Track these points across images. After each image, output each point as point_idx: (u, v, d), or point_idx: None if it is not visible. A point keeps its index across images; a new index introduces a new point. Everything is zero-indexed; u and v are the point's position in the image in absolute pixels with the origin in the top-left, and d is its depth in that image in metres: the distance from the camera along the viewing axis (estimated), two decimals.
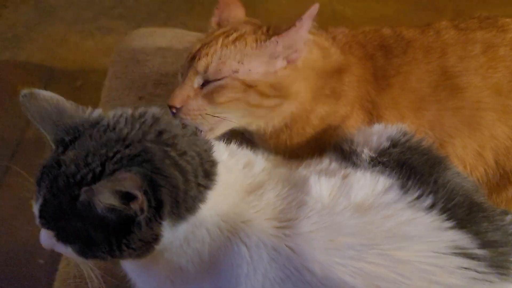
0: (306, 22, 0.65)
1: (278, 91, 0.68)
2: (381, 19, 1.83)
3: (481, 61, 0.73)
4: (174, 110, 0.67)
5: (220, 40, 0.68)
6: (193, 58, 0.68)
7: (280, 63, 0.68)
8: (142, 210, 0.50)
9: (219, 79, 0.66)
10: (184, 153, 0.56)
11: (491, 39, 0.75)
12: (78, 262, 0.60)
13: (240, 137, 0.73)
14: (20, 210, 1.41)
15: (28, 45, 1.90)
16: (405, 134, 0.65)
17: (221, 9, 0.76)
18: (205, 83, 0.67)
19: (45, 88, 1.76)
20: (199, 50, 0.68)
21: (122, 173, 0.50)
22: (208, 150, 0.60)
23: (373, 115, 0.74)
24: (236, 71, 0.66)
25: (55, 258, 0.92)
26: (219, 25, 0.74)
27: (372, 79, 0.75)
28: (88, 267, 0.60)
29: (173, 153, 0.55)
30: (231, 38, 0.68)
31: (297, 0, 1.96)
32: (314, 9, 0.65)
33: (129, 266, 0.65)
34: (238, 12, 0.77)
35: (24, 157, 1.59)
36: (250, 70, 0.67)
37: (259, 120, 0.71)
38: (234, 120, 0.69)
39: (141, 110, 0.60)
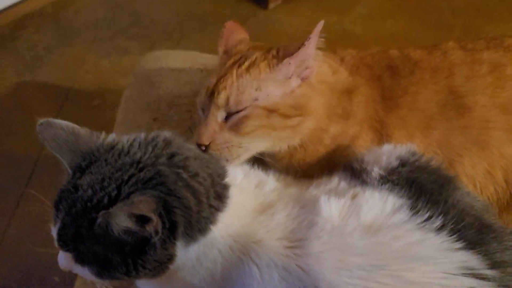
0: (314, 39, 0.67)
1: (299, 110, 0.69)
2: (391, 37, 1.84)
3: (488, 80, 0.74)
4: (203, 148, 0.67)
5: (234, 71, 0.69)
6: (212, 93, 0.70)
7: (295, 82, 0.70)
8: (156, 232, 0.52)
9: (241, 110, 0.67)
10: (196, 175, 0.58)
11: (498, 59, 0.75)
12: (95, 282, 0.61)
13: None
14: (36, 229, 1.45)
15: (47, 66, 1.95)
16: (414, 154, 0.66)
17: (226, 38, 0.78)
18: (228, 115, 0.68)
19: (63, 108, 1.82)
20: (216, 84, 0.70)
21: (137, 196, 0.52)
22: (222, 173, 0.62)
23: (382, 135, 0.75)
24: (256, 99, 0.68)
25: (70, 276, 0.94)
26: (227, 53, 0.76)
27: (380, 99, 0.76)
28: (104, 286, 0.61)
29: (185, 175, 0.57)
30: (244, 67, 0.69)
31: (307, 19, 2.02)
32: (320, 25, 0.66)
33: (143, 285, 0.67)
34: (242, 38, 0.79)
35: (42, 176, 1.62)
36: (268, 94, 0.68)
37: (282, 141, 0.72)
38: (260, 146, 0.71)
39: (153, 134, 0.62)
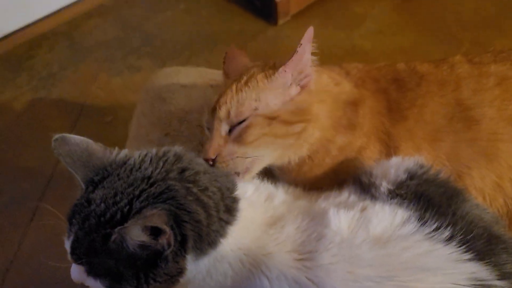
0: (307, 46, 0.69)
1: (300, 116, 0.70)
2: (400, 51, 1.85)
3: (495, 93, 0.74)
4: (210, 162, 0.68)
5: (234, 86, 0.72)
6: (214, 109, 0.72)
7: (294, 90, 0.71)
8: (169, 244, 0.53)
9: (242, 121, 0.69)
10: (205, 189, 0.59)
11: (505, 72, 0.76)
12: None
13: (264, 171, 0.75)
14: (50, 243, 1.46)
15: (61, 83, 2.00)
16: (422, 166, 0.66)
17: (228, 63, 0.81)
18: (231, 128, 0.70)
19: (77, 123, 1.85)
20: (217, 101, 0.72)
21: (149, 210, 0.53)
22: (231, 186, 0.63)
23: (389, 146, 0.75)
24: (256, 108, 0.69)
25: None
26: (228, 76, 0.79)
27: (386, 111, 0.77)
28: None
29: (195, 189, 0.58)
30: (243, 81, 0.71)
31: (316, 35, 2.02)
32: (310, 32, 0.68)
33: None
34: (243, 61, 0.82)
35: (56, 190, 1.65)
36: (268, 104, 0.69)
37: (289, 150, 0.73)
38: (266, 156, 0.71)
39: (164, 149, 0.63)
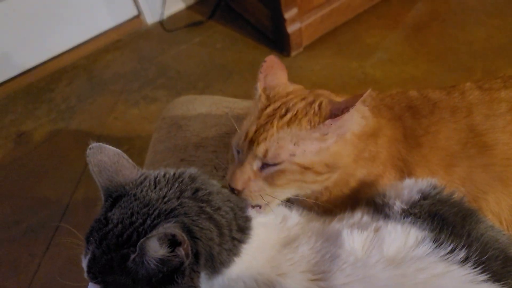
0: (358, 106, 0.67)
1: (331, 167, 0.70)
2: (411, 80, 1.87)
3: (507, 118, 0.74)
4: (236, 192, 0.69)
5: (275, 122, 0.70)
6: (251, 141, 0.70)
7: (331, 139, 0.70)
8: (187, 255, 0.53)
9: (278, 163, 0.68)
10: (218, 209, 0.60)
11: None
12: None
13: None
14: (65, 272, 1.47)
15: (79, 115, 2.06)
16: (435, 187, 0.66)
17: (265, 73, 0.78)
18: (264, 165, 0.69)
19: None
20: (255, 133, 0.70)
21: (164, 223, 0.54)
22: (244, 207, 0.64)
23: (404, 173, 0.75)
24: (293, 154, 0.68)
25: None
26: (265, 90, 0.76)
27: (402, 138, 0.77)
28: None
29: (208, 209, 0.59)
30: (285, 119, 0.70)
31: (328, 65, 2.08)
32: (366, 94, 0.66)
33: None
34: (281, 76, 0.79)
35: (72, 220, 1.67)
36: (305, 151, 0.68)
37: (309, 190, 0.73)
38: (289, 195, 0.73)
39: (180, 170, 0.65)
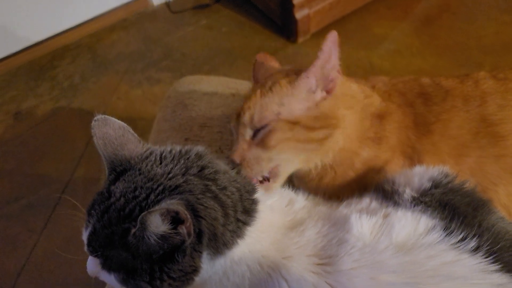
0: (330, 49, 0.67)
1: (323, 121, 0.70)
2: (419, 73, 1.85)
3: None
4: (238, 168, 0.68)
5: (258, 91, 0.72)
6: (239, 115, 0.72)
7: (320, 95, 0.70)
8: (189, 234, 0.52)
9: (265, 125, 0.69)
10: (224, 188, 0.58)
11: None
12: None
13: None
14: (62, 250, 1.47)
15: (82, 94, 2.03)
16: (446, 175, 0.65)
17: (257, 69, 0.81)
18: (255, 132, 0.70)
19: None
20: (242, 106, 0.72)
21: (167, 200, 0.53)
22: (250, 189, 0.62)
23: (413, 160, 0.74)
24: (279, 114, 0.69)
25: None
26: (257, 81, 0.79)
27: (413, 125, 0.76)
28: None
29: (213, 187, 0.57)
30: (267, 87, 0.71)
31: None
32: (333, 35, 0.66)
33: None
34: (273, 67, 0.82)
35: (72, 197, 1.66)
36: (291, 109, 0.69)
37: (314, 155, 0.72)
38: (291, 160, 0.71)
39: (187, 147, 0.63)
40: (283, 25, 2.09)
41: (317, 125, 0.69)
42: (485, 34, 1.99)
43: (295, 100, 0.70)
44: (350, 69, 1.93)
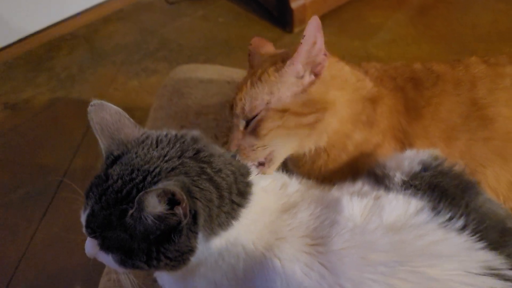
0: (313, 34, 0.68)
1: (312, 107, 0.70)
2: (414, 61, 1.85)
3: (511, 93, 0.75)
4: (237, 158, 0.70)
5: (248, 82, 0.72)
6: (232, 106, 0.73)
7: (308, 79, 0.71)
8: (185, 214, 0.53)
9: (256, 115, 0.70)
10: (219, 171, 0.60)
11: None
12: (118, 272, 0.63)
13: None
14: (61, 239, 1.49)
15: (80, 84, 2.04)
16: (436, 158, 0.66)
17: (252, 54, 0.82)
18: (248, 122, 0.71)
19: None
20: (234, 98, 0.73)
21: (164, 181, 0.54)
22: (245, 172, 0.64)
23: (404, 144, 0.76)
24: (269, 102, 0.70)
25: (91, 284, 0.96)
26: (253, 67, 0.79)
27: (403, 109, 0.77)
28: (127, 278, 0.63)
29: (208, 170, 0.59)
30: (257, 76, 0.72)
31: (331, 43, 2.04)
32: (314, 20, 0.67)
33: (167, 280, 0.68)
34: (267, 51, 0.82)
35: (70, 187, 1.67)
36: (280, 97, 0.70)
37: (307, 139, 0.73)
38: (285, 146, 0.72)
39: (182, 131, 0.65)
40: (279, 15, 2.10)
41: (306, 110, 0.70)
42: (480, 23, 2.00)
43: (283, 87, 0.70)
44: (345, 59, 1.93)
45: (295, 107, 0.70)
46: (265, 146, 0.71)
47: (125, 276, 0.62)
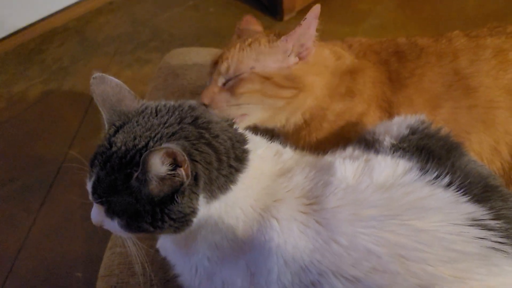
0: (312, 21, 0.73)
1: (292, 82, 0.75)
2: None
3: (492, 64, 0.78)
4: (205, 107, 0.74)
5: (238, 45, 0.77)
6: (216, 62, 0.78)
7: (292, 59, 0.76)
8: (187, 175, 0.56)
9: (239, 75, 0.75)
10: (217, 136, 0.62)
11: (501, 44, 0.80)
12: (123, 237, 0.65)
13: (270, 134, 0.79)
14: (60, 228, 1.50)
15: (72, 76, 2.05)
16: (423, 122, 0.70)
17: (242, 26, 0.86)
18: (228, 81, 0.76)
19: (86, 114, 1.90)
20: (220, 56, 0.77)
21: (165, 143, 0.57)
22: (241, 139, 0.66)
23: (390, 113, 0.80)
24: (253, 68, 0.75)
25: (91, 272, 0.98)
26: (239, 37, 0.83)
27: (387, 81, 0.81)
28: (132, 242, 0.65)
29: (207, 135, 0.61)
30: (247, 42, 0.77)
31: (320, 30, 2.07)
32: (317, 8, 0.72)
33: (169, 248, 0.71)
34: (256, 29, 0.87)
35: (66, 178, 1.69)
36: (265, 66, 0.75)
37: (281, 113, 0.78)
38: (257, 112, 0.76)
39: (180, 101, 0.67)
40: (269, 4, 2.12)
41: (286, 84, 0.75)
42: (467, 6, 2.04)
43: (270, 58, 0.75)
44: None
45: (277, 78, 0.74)
46: (239, 104, 0.74)
47: (130, 241, 0.65)
